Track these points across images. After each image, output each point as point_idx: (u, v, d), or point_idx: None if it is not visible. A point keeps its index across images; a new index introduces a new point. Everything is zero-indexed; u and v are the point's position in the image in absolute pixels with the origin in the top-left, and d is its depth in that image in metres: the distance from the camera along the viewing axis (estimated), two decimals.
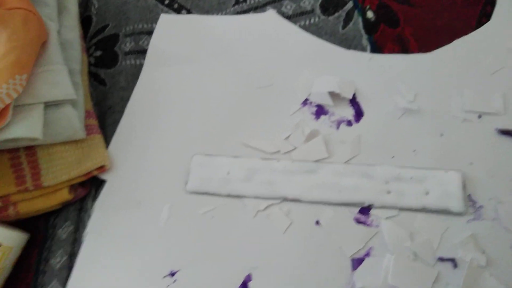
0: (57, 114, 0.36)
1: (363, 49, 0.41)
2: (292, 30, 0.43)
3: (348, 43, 0.41)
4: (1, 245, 0.34)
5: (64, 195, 0.37)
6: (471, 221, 0.33)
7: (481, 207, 0.33)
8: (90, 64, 0.45)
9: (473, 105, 0.37)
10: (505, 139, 0.35)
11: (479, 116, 0.36)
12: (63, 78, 0.37)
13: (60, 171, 0.37)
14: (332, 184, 0.35)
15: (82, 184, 0.39)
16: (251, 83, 0.41)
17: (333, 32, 0.42)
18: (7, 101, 0.33)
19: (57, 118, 0.36)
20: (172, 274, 0.34)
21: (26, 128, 0.34)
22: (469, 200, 0.33)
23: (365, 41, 0.41)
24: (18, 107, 0.35)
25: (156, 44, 0.45)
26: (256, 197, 0.36)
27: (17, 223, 0.37)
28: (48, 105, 0.36)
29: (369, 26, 0.42)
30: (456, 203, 0.33)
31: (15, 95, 0.33)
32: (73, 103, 0.38)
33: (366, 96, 0.39)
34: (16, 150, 0.36)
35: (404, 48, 0.40)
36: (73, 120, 0.37)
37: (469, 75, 0.38)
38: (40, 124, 0.35)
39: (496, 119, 0.36)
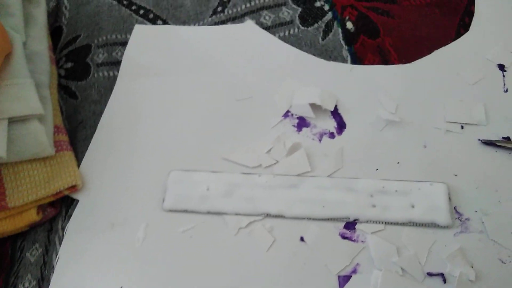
0: (22, 130, 0.34)
1: (343, 60, 0.40)
2: (272, 41, 0.42)
3: (328, 54, 0.41)
4: None
5: (32, 216, 0.35)
6: (458, 234, 0.32)
7: (467, 219, 0.32)
8: (60, 77, 0.43)
9: (455, 116, 0.36)
10: (488, 150, 0.35)
11: (462, 127, 0.36)
12: (28, 92, 0.35)
13: (27, 190, 0.34)
14: (316, 198, 0.34)
15: (51, 204, 0.36)
16: (230, 96, 0.40)
17: (312, 43, 0.42)
18: None
19: (22, 134, 0.34)
20: None
21: None
22: (455, 212, 0.33)
23: (345, 52, 0.41)
24: None
25: (131, 55, 0.43)
26: (237, 214, 0.34)
27: None
28: (12, 121, 0.34)
29: (349, 37, 0.41)
30: (442, 216, 0.32)
31: None
32: (40, 118, 0.35)
33: (348, 107, 0.38)
34: None
35: (384, 59, 0.40)
36: (40, 136, 0.35)
37: (450, 86, 0.38)
38: (3, 142, 0.32)
39: (478, 130, 0.35)
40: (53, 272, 0.33)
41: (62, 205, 0.37)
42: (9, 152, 0.33)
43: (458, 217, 0.33)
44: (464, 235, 0.32)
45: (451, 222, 0.32)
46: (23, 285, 0.34)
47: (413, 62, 0.39)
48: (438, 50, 0.40)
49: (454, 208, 0.33)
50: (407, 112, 0.37)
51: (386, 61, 0.40)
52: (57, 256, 0.34)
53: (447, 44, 0.40)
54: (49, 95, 0.38)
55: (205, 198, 0.35)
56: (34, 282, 0.34)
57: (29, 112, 0.34)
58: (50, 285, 0.33)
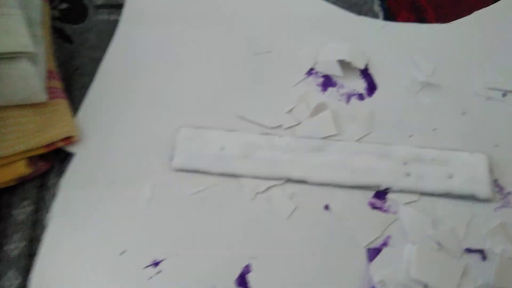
0: (10, 69, 0.29)
1: (375, 16, 0.37)
2: None
3: (358, 8, 0.37)
4: None
5: (21, 169, 0.30)
6: (498, 208, 0.29)
7: (509, 193, 0.30)
8: (53, 18, 0.38)
9: (497, 82, 0.33)
10: None
11: (504, 95, 0.33)
12: (17, 24, 0.30)
13: (16, 139, 0.30)
14: (343, 164, 0.31)
15: (42, 157, 0.32)
16: (247, 49, 0.36)
17: None
18: None
19: (10, 74, 0.29)
20: (156, 264, 0.28)
21: None
22: (496, 185, 0.30)
23: (377, 7, 0.37)
24: None
25: None
26: (255, 177, 0.31)
27: None
28: None
29: None
30: (482, 188, 0.29)
31: None
32: (31, 57, 0.31)
33: (379, 67, 0.34)
34: None
35: (420, 17, 0.36)
36: (30, 78, 0.30)
37: (491, 50, 0.35)
38: None
39: None
40: (45, 232, 0.29)
41: (55, 159, 0.32)
42: None
43: (499, 191, 0.30)
44: (505, 210, 0.29)
45: (491, 195, 0.29)
46: (10, 245, 0.30)
47: (451, 22, 0.36)
48: (479, 11, 0.36)
49: (495, 181, 0.30)
50: (444, 76, 0.34)
51: (422, 20, 0.36)
52: (51, 214, 0.30)
53: (487, 5, 0.36)
54: (41, 35, 0.33)
55: (219, 158, 0.31)
56: (24, 242, 0.30)
57: (18, 48, 0.29)
58: (42, 246, 0.29)
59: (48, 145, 0.31)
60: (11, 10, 0.29)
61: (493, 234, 0.28)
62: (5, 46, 0.28)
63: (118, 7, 0.38)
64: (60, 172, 0.32)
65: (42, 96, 0.31)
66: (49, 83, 0.33)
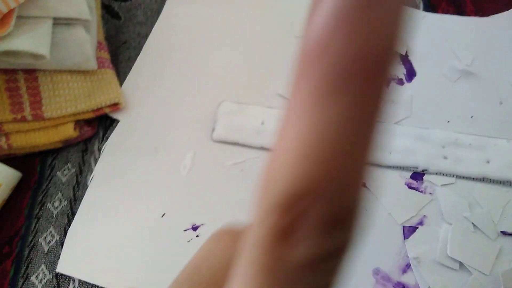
0: (67, 35, 0.31)
1: (415, 6, 0.37)
2: None
3: None
4: None
5: (68, 131, 0.31)
6: None
7: None
8: None
9: None
10: None
11: None
12: None
13: (66, 102, 0.31)
14: (382, 144, 0.31)
15: (88, 123, 0.33)
16: (289, 31, 0.37)
17: None
18: (12, 5, 0.27)
19: (66, 39, 0.31)
20: (195, 228, 0.29)
21: (31, 42, 0.28)
22: None
23: None
24: (22, 18, 0.29)
25: None
26: None
27: (7, 161, 0.31)
28: (57, 23, 0.30)
29: None
30: None
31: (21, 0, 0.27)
32: (86, 26, 0.32)
33: (419, 55, 0.35)
34: (13, 71, 0.31)
35: (459, 10, 0.37)
36: (85, 45, 0.31)
37: None
38: (47, 41, 0.29)
39: None
40: (86, 191, 0.30)
41: (100, 126, 0.34)
42: (50, 56, 0.29)
43: None
44: None
45: None
46: (53, 204, 0.31)
47: (491, 16, 0.36)
48: None
49: None
50: (482, 67, 0.34)
51: (461, 13, 0.37)
52: (92, 175, 0.31)
53: None
54: (95, 7, 0.35)
55: (259, 132, 0.32)
56: (66, 202, 0.31)
57: (77, 15, 0.31)
58: (81, 203, 0.30)
59: (95, 110, 0.32)
60: None
61: None
62: (65, 11, 0.30)
63: None
64: (104, 138, 0.33)
65: (93, 64, 0.32)
66: (98, 53, 0.34)
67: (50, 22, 0.30)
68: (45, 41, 0.29)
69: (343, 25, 0.08)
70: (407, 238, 0.28)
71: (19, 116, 0.30)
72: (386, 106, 0.09)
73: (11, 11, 0.27)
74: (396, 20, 0.08)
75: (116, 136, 0.32)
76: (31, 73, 0.31)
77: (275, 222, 0.09)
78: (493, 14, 0.37)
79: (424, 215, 0.29)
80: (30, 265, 0.29)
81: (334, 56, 0.08)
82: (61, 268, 0.28)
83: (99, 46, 0.34)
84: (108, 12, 0.39)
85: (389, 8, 0.08)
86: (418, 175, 0.30)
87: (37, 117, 0.30)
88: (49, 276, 0.28)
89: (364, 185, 0.10)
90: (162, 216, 0.29)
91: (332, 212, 0.09)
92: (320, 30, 0.08)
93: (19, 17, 0.28)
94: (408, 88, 0.34)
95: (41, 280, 0.28)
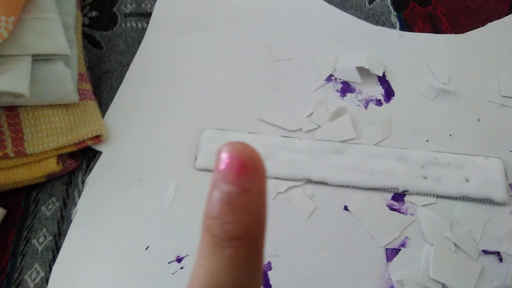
0: (47, 70, 0.31)
1: (391, 26, 0.38)
2: (315, 1, 0.40)
3: (376, 19, 0.38)
4: None
5: (51, 166, 0.31)
6: None
7: None
8: (84, 25, 0.40)
9: (510, 90, 0.34)
10: None
11: None
12: (55, 29, 0.32)
13: (47, 137, 0.31)
14: (362, 166, 0.32)
15: (71, 156, 0.33)
16: (268, 56, 0.37)
17: (359, 7, 0.39)
18: None
19: (46, 75, 0.31)
20: (179, 260, 0.29)
21: (10, 81, 0.28)
22: (511, 189, 0.31)
23: (393, 18, 0.38)
24: (1, 57, 0.29)
25: (162, 7, 0.40)
26: (275, 178, 0.32)
27: None
28: (36, 60, 0.31)
29: (397, 3, 0.39)
30: (498, 192, 0.30)
31: None
32: (66, 60, 0.32)
33: (396, 75, 0.36)
34: None
35: (435, 27, 0.38)
36: (65, 80, 0.32)
37: (504, 60, 0.36)
38: (26, 79, 0.29)
39: None
40: (70, 226, 0.31)
41: (83, 158, 0.34)
42: (31, 93, 0.29)
43: None
44: None
45: (507, 199, 0.30)
46: (37, 239, 0.31)
47: (466, 33, 0.37)
48: (492, 22, 0.37)
49: (510, 185, 0.31)
50: (459, 84, 0.35)
51: (437, 30, 0.37)
52: (75, 209, 0.31)
53: (499, 18, 0.38)
54: (75, 39, 0.35)
55: None
56: (50, 237, 0.31)
57: (56, 51, 0.31)
58: (65, 238, 0.30)
59: (77, 143, 0.32)
60: (50, 15, 0.31)
61: (509, 236, 0.29)
62: (44, 48, 0.30)
63: (146, 15, 0.40)
64: (88, 170, 0.33)
65: (74, 97, 0.32)
66: (80, 85, 0.34)
67: (29, 59, 0.30)
68: (24, 80, 0.29)
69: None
70: (390, 260, 0.29)
71: (1, 154, 0.30)
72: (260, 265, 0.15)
73: None
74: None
75: (99, 168, 0.33)
76: (12, 110, 0.31)
77: None
78: (469, 30, 0.37)
79: (407, 237, 0.30)
80: None
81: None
82: None
83: (80, 78, 0.35)
84: (90, 42, 0.39)
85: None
86: (399, 196, 0.31)
87: (19, 154, 0.30)
88: None
89: None
90: (146, 248, 0.29)
91: None
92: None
93: None
94: (387, 109, 0.34)
95: None
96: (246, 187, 0.14)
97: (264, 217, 0.15)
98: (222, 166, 0.14)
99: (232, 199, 0.14)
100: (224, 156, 0.14)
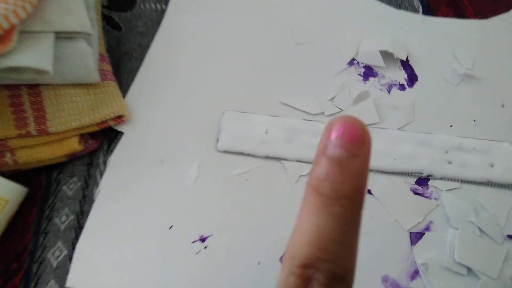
0: (69, 49, 0.31)
1: (414, 10, 0.37)
2: None
3: (398, 3, 0.38)
4: None
5: (73, 145, 0.31)
6: None
7: None
8: (102, 6, 0.39)
9: None
10: None
11: None
12: (79, 6, 0.31)
13: (70, 116, 0.31)
14: (386, 151, 0.31)
15: (92, 136, 0.33)
16: (289, 39, 0.37)
17: None
18: (14, 20, 0.27)
19: (69, 53, 0.31)
20: (203, 240, 0.29)
21: (34, 57, 0.28)
22: None
23: (416, 2, 0.38)
24: (24, 33, 0.29)
25: None
26: (298, 161, 0.32)
27: (12, 176, 0.31)
28: (58, 37, 0.30)
29: None
30: None
31: (23, 15, 0.27)
32: (87, 39, 0.32)
33: (419, 60, 0.35)
34: (16, 87, 0.31)
35: (459, 13, 0.37)
36: (87, 58, 0.31)
37: None
38: (50, 56, 0.29)
39: None
40: (92, 206, 0.30)
41: (104, 139, 0.34)
42: (53, 71, 0.29)
43: None
44: None
45: None
46: (60, 218, 0.31)
47: (490, 18, 0.37)
48: None
49: None
50: (483, 69, 0.34)
51: (461, 15, 0.37)
52: (98, 189, 0.31)
53: None
54: (96, 19, 0.35)
55: (263, 141, 0.32)
56: (73, 216, 0.31)
57: (79, 28, 0.31)
58: (88, 217, 0.30)
59: (99, 123, 0.32)
60: None
61: None
62: (67, 25, 0.30)
63: None
64: (109, 151, 0.33)
65: (96, 77, 0.32)
66: (101, 65, 0.34)
67: (52, 37, 0.30)
68: (48, 56, 0.29)
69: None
70: (414, 244, 0.29)
71: (23, 132, 0.30)
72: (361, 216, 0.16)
73: (13, 27, 0.27)
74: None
75: (121, 148, 0.32)
76: (34, 88, 0.31)
77: (295, 280, 0.15)
78: (493, 16, 0.37)
79: (431, 221, 0.29)
80: (39, 281, 0.29)
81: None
82: (70, 282, 0.28)
83: (101, 58, 0.34)
84: (109, 24, 0.39)
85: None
86: (423, 181, 0.31)
87: (42, 132, 0.30)
88: None
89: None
90: (170, 228, 0.29)
91: (333, 271, 0.15)
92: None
93: (21, 33, 0.28)
94: (410, 93, 0.34)
95: None
96: (356, 153, 0.15)
97: (367, 182, 0.16)
98: (335, 134, 0.15)
99: (343, 162, 0.15)
100: (337, 126, 0.15)
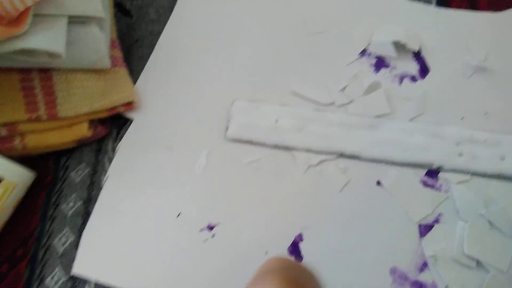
0: (82, 33, 0.31)
1: (428, 2, 0.37)
2: None
3: None
4: (2, 180, 0.28)
5: (83, 131, 0.31)
6: None
7: None
8: None
9: None
10: None
11: None
12: None
13: (80, 101, 0.31)
14: (396, 142, 0.31)
15: (102, 122, 0.33)
16: (300, 28, 0.37)
17: None
18: (28, 3, 0.27)
19: (81, 38, 0.31)
20: (210, 228, 0.29)
21: (47, 40, 0.28)
22: None
23: None
24: (38, 16, 0.29)
25: None
26: (308, 150, 0.31)
27: (21, 161, 0.31)
28: (71, 21, 0.30)
29: None
30: None
31: None
32: (100, 24, 0.32)
33: (432, 51, 0.35)
34: (28, 71, 0.31)
35: (473, 5, 0.37)
36: (99, 44, 0.31)
37: None
38: (63, 39, 0.29)
39: None
40: (100, 193, 0.30)
41: (113, 126, 0.34)
42: (66, 55, 0.29)
43: None
44: None
45: None
46: (67, 204, 0.31)
47: (504, 11, 0.36)
48: None
49: None
50: (496, 62, 0.34)
51: (474, 7, 0.37)
52: (106, 175, 0.31)
53: None
54: (108, 5, 0.35)
55: (273, 130, 0.32)
56: (80, 202, 0.31)
57: (92, 13, 0.31)
58: (96, 204, 0.30)
59: (109, 109, 0.32)
60: None
61: None
62: (80, 9, 0.30)
63: None
64: (118, 138, 0.33)
65: (107, 62, 0.32)
66: (112, 51, 0.34)
67: (65, 20, 0.30)
68: (61, 40, 0.29)
69: None
70: (424, 236, 0.28)
71: (34, 116, 0.30)
72: None
73: (27, 9, 0.27)
74: None
75: (130, 135, 0.32)
76: (46, 72, 0.31)
77: None
78: (507, 8, 0.36)
79: (440, 213, 0.29)
80: (45, 267, 0.29)
81: None
82: (76, 269, 0.28)
83: (112, 44, 0.34)
84: (120, 10, 0.39)
85: None
86: (433, 173, 0.30)
87: (52, 117, 0.30)
88: (64, 278, 0.28)
89: None
90: (178, 215, 0.29)
91: None
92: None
93: (35, 15, 0.28)
94: (422, 85, 0.34)
95: (56, 282, 0.28)
96: None
97: None
98: None
99: None
100: None
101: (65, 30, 0.29)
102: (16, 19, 0.27)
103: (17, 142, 0.30)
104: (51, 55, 0.28)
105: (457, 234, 0.28)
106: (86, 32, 0.31)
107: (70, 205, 0.31)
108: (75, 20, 0.30)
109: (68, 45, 0.30)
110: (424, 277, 0.27)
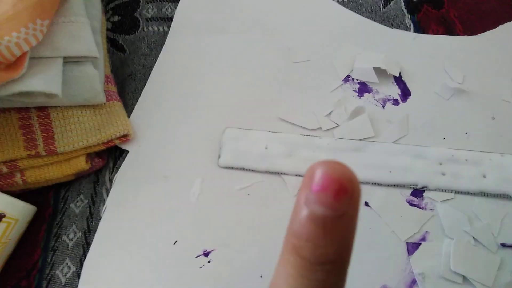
0: (77, 72, 0.32)
1: (406, 29, 0.39)
2: (331, 5, 0.41)
3: (390, 22, 0.39)
4: (5, 216, 0.29)
5: (81, 164, 0.33)
6: None
7: None
8: (107, 29, 0.41)
9: None
10: None
11: None
12: (85, 32, 0.33)
13: (77, 136, 0.32)
14: (382, 164, 0.33)
15: (98, 155, 0.34)
16: (286, 58, 0.38)
17: (373, 10, 0.40)
18: (25, 48, 0.28)
19: (77, 76, 0.32)
20: (206, 254, 0.30)
21: (44, 82, 0.30)
22: None
23: (408, 20, 0.39)
24: (34, 59, 0.30)
25: (183, 11, 0.41)
26: (298, 175, 0.33)
27: (21, 195, 0.32)
28: (66, 61, 0.32)
29: (411, 6, 0.40)
30: None
31: (34, 43, 0.29)
32: (94, 62, 0.34)
33: (412, 75, 0.37)
34: (26, 110, 0.32)
35: (449, 30, 0.39)
36: (94, 81, 0.33)
37: None
38: (59, 80, 0.30)
39: None
40: (99, 223, 0.31)
41: (109, 157, 0.35)
42: (62, 94, 0.31)
43: None
44: None
45: None
46: (68, 236, 0.32)
47: (479, 35, 0.38)
48: (504, 24, 0.38)
49: None
50: (474, 84, 0.36)
51: (450, 32, 0.39)
52: (105, 206, 0.32)
53: (511, 20, 0.39)
54: (101, 43, 0.36)
55: (263, 156, 0.33)
56: (80, 233, 0.32)
57: (86, 53, 0.32)
58: (95, 234, 0.31)
59: (105, 142, 0.33)
60: (80, 19, 0.32)
61: None
62: (75, 50, 0.31)
63: (167, 19, 0.41)
64: (114, 169, 0.34)
65: (102, 98, 0.34)
66: (106, 86, 0.35)
67: (60, 61, 0.31)
68: (57, 80, 0.30)
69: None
70: (411, 254, 0.30)
71: (33, 153, 0.31)
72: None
73: (24, 54, 0.29)
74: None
75: (126, 166, 0.34)
76: (43, 110, 0.32)
77: None
78: (482, 32, 0.38)
79: (427, 231, 0.30)
80: None
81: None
82: None
83: (106, 80, 0.36)
84: (113, 46, 0.40)
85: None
86: (418, 192, 0.32)
87: (51, 152, 0.31)
88: None
89: None
90: (174, 243, 0.30)
91: None
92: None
93: (31, 58, 0.30)
94: (404, 108, 0.35)
95: None
96: (342, 211, 0.13)
97: (354, 240, 0.14)
98: (317, 186, 0.13)
99: (327, 223, 0.13)
100: (320, 175, 0.13)
101: (61, 71, 0.31)
102: (14, 63, 0.29)
103: (17, 178, 0.31)
104: (48, 95, 0.30)
105: (444, 251, 0.29)
106: (80, 71, 0.32)
107: (70, 236, 0.32)
108: (70, 60, 0.32)
109: (64, 84, 0.31)
110: None
